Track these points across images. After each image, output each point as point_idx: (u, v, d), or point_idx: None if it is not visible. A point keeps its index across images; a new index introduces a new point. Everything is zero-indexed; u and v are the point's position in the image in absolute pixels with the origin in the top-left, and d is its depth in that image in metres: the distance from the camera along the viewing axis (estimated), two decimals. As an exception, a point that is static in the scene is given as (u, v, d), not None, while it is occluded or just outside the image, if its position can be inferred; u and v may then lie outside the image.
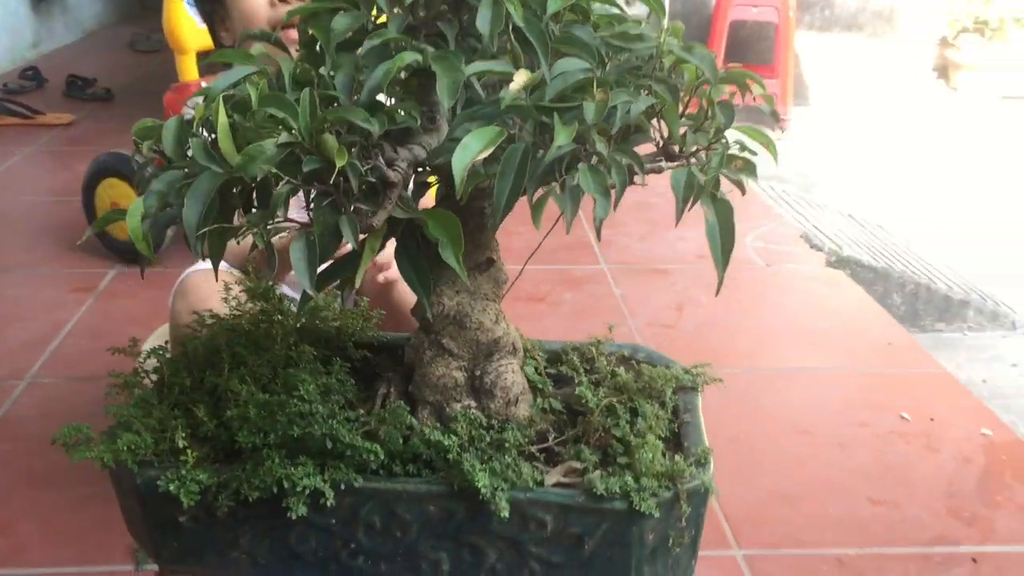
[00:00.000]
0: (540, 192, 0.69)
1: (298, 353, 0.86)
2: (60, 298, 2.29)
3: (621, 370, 0.92)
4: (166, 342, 0.99)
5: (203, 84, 2.31)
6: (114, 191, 2.25)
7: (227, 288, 0.99)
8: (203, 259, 0.70)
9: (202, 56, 2.34)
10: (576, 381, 0.90)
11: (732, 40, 4.50)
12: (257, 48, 0.81)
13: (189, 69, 2.26)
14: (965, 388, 2.07)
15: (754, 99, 0.78)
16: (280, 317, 0.90)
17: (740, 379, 2.00)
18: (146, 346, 1.67)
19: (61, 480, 1.59)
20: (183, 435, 0.78)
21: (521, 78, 0.66)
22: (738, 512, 1.58)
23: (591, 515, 0.75)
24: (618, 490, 0.74)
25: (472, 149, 0.64)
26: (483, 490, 0.74)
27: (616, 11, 0.82)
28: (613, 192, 0.69)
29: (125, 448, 0.74)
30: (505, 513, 0.73)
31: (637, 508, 0.74)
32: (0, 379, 1.94)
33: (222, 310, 1.01)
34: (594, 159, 0.68)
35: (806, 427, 1.84)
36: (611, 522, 0.75)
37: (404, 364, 0.88)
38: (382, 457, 0.75)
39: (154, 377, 0.90)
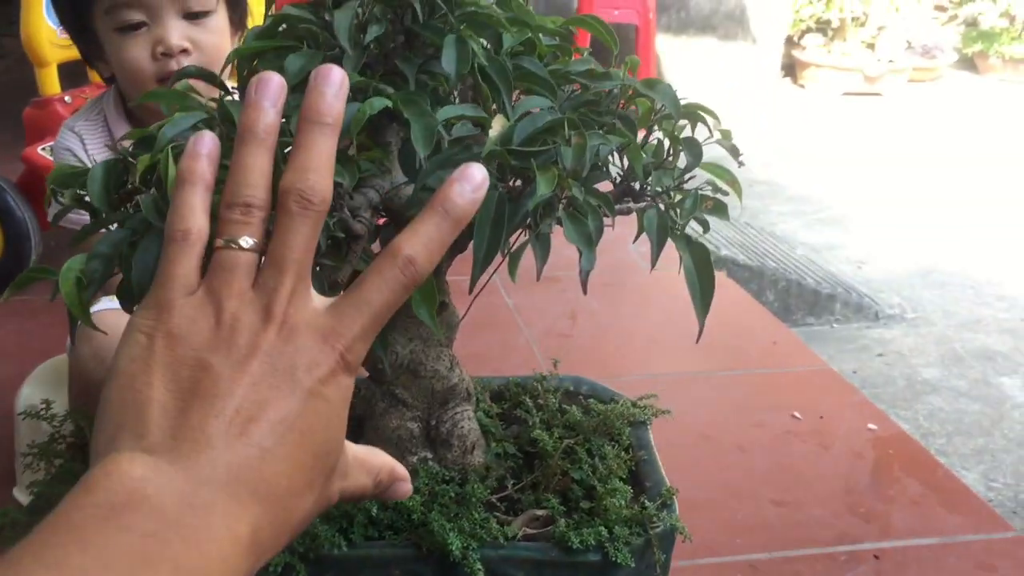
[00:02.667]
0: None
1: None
2: (-90, 331, 2.11)
3: (571, 408, 0.90)
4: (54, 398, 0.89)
5: (66, 99, 2.16)
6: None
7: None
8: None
9: (63, 68, 2.19)
10: (529, 423, 0.87)
11: (594, 41, 4.56)
12: (183, 85, 0.75)
13: (50, 83, 2.11)
14: (848, 383, 2.16)
15: (711, 133, 0.77)
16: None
17: (639, 386, 2.00)
18: (24, 392, 1.56)
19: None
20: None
21: (498, 124, 0.63)
22: (652, 524, 1.59)
23: (565, 569, 0.73)
24: (593, 542, 0.72)
25: (452, 202, 0.60)
26: (455, 551, 0.70)
27: (558, 41, 0.81)
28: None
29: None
30: (480, 575, 0.70)
31: (613, 559, 0.72)
32: None
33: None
34: (568, 204, 0.66)
35: (706, 432, 1.88)
36: (585, 575, 0.73)
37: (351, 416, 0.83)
38: (344, 547, 0.70)
39: (71, 441, 0.82)
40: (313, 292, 0.48)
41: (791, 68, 5.99)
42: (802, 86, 5.90)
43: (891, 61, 5.73)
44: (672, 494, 0.79)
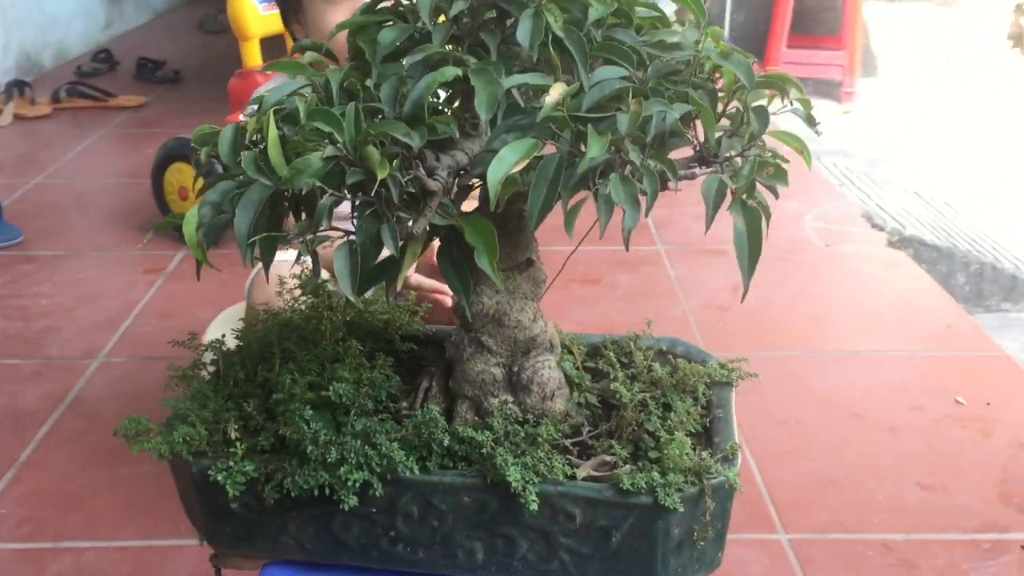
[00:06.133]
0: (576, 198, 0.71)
1: (344, 348, 0.90)
2: (131, 280, 2.38)
3: (657, 365, 0.94)
4: (224, 334, 1.03)
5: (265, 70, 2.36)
6: (181, 175, 2.32)
7: (281, 283, 1.03)
8: (251, 265, 0.73)
9: (265, 42, 2.40)
10: (612, 376, 0.92)
11: (798, 11, 4.44)
12: (309, 56, 0.85)
13: (253, 55, 2.31)
14: (1024, 372, 2.05)
15: (790, 102, 0.78)
16: (328, 313, 0.94)
17: (795, 362, 2.00)
18: (209, 331, 1.75)
19: (132, 457, 1.67)
20: (235, 427, 0.82)
21: (557, 91, 0.68)
22: (784, 496, 1.59)
23: (618, 509, 0.78)
24: (644, 485, 0.77)
25: (508, 161, 0.66)
26: (514, 483, 0.77)
27: (658, 13, 0.84)
28: (644, 200, 0.71)
29: (181, 440, 0.79)
30: (534, 506, 0.76)
31: (662, 503, 0.76)
32: (74, 359, 2.03)
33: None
34: (627, 168, 0.70)
35: (858, 411, 1.84)
36: (637, 516, 0.78)
37: (445, 359, 0.91)
38: (416, 472, 0.78)
39: (211, 369, 0.94)
40: None
41: (1019, 38, 5.55)
42: (1031, 57, 5.45)
43: None
44: (735, 450, 0.82)
